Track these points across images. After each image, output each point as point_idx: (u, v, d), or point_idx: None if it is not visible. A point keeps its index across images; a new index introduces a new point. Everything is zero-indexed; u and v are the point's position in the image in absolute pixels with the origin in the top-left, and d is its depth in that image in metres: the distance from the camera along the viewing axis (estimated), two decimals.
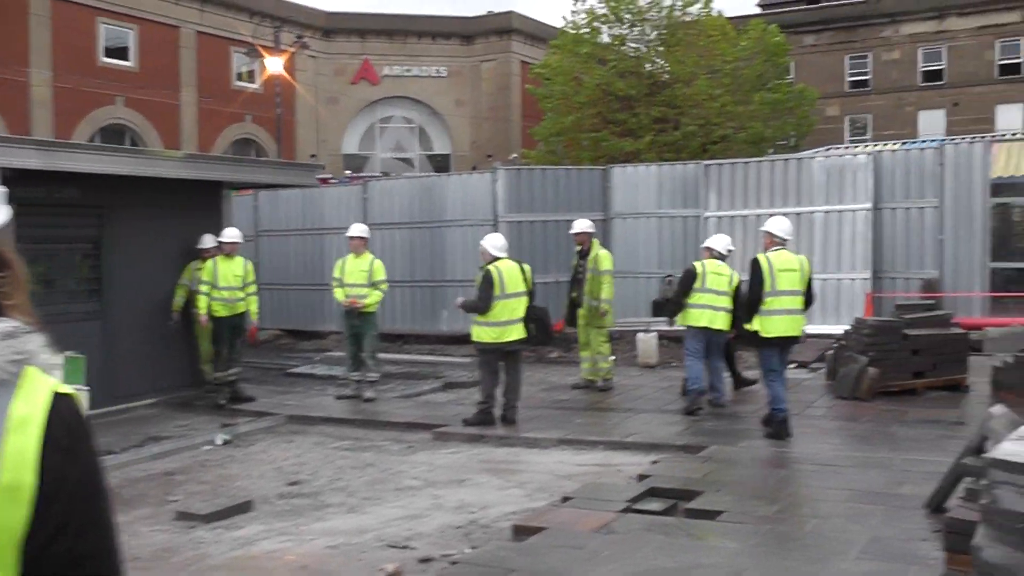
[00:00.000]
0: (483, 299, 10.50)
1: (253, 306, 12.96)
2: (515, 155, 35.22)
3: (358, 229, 13.19)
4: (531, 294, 10.82)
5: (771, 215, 16.40)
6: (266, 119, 34.41)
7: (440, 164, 41.29)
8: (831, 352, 12.85)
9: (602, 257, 12.85)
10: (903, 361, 11.67)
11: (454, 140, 42.03)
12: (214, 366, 12.85)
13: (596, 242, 13.12)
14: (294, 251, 19.83)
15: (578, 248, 13.15)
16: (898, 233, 16.14)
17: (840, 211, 16.31)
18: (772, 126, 30.30)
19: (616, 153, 29.24)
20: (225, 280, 12.54)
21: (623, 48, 30.81)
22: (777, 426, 9.56)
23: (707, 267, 10.98)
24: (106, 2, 31.67)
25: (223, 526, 7.50)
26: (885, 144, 26.29)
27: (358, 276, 12.68)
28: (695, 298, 10.88)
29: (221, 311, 12.58)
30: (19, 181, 10.98)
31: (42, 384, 1.47)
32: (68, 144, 13.36)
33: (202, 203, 13.53)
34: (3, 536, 1.38)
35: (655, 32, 30.92)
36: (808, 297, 9.77)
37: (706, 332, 10.88)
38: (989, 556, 4.16)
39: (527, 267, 10.96)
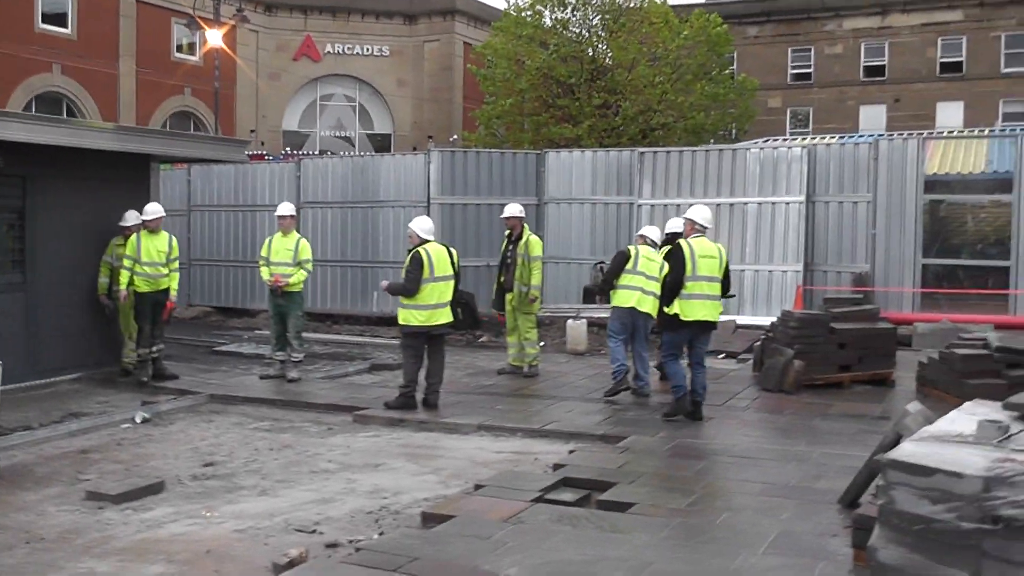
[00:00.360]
0: (411, 281, 10.42)
1: (174, 283, 12.73)
2: (455, 137, 35.09)
3: (286, 208, 13.06)
4: (457, 277, 10.78)
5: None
6: (206, 93, 33.74)
7: (381, 144, 41.00)
8: (758, 344, 12.95)
9: (532, 243, 12.83)
10: (829, 354, 11.78)
11: (395, 120, 41.73)
12: (137, 343, 12.60)
13: (527, 227, 13.08)
14: (226, 227, 19.60)
15: (507, 232, 13.09)
16: (831, 226, 16.35)
17: (774, 203, 16.47)
18: (713, 116, 30.44)
19: (556, 138, 29.25)
20: (148, 256, 12.34)
21: (565, 32, 30.70)
22: (676, 405, 10.02)
23: (640, 252, 11.10)
24: None
25: (133, 507, 7.37)
26: (822, 137, 26.58)
27: (284, 255, 12.56)
28: (625, 279, 10.93)
29: (144, 287, 12.36)
30: None
31: None
32: None
33: (130, 176, 13.28)
34: None
35: (597, 17, 30.90)
36: (725, 284, 10.11)
37: (632, 314, 10.92)
38: (884, 557, 4.19)
39: (454, 251, 10.95)
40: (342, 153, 31.34)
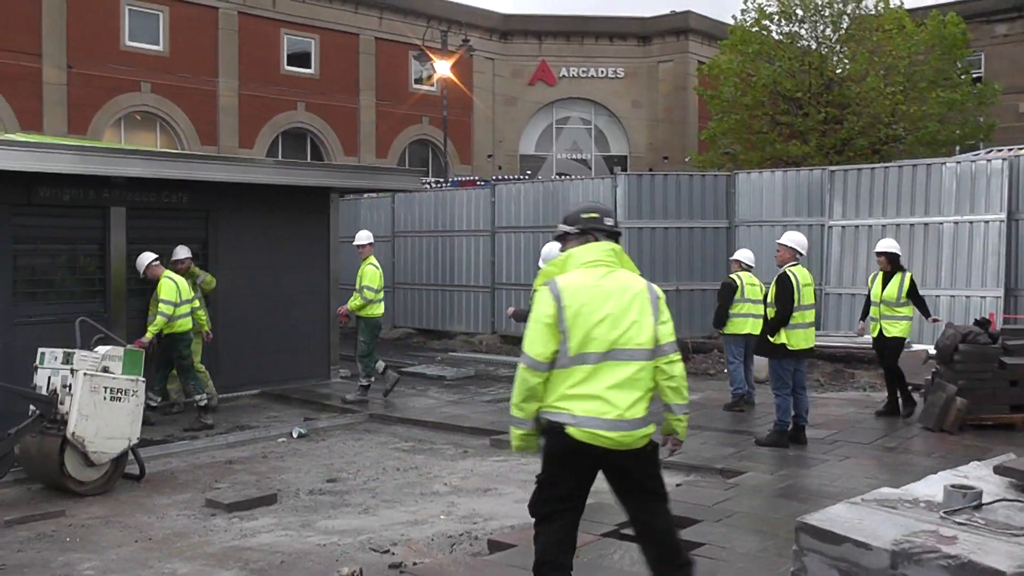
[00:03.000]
0: None
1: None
2: (688, 159, 34.91)
3: (363, 236, 13.46)
4: None
5: (897, 225, 15.89)
6: (447, 121, 35.17)
7: (617, 165, 41.34)
8: (928, 377, 12.14)
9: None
10: (999, 392, 10.72)
11: (631, 141, 42.00)
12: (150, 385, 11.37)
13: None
14: (427, 252, 20.49)
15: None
16: None
17: (971, 222, 15.39)
18: (948, 126, 28.70)
19: (783, 156, 28.60)
20: (187, 295, 11.88)
21: (794, 45, 29.88)
22: (776, 437, 10.07)
23: (743, 279, 12.06)
24: (290, 14, 33.44)
25: (240, 516, 8.00)
26: None
27: (357, 281, 13.04)
28: (736, 308, 11.98)
29: (185, 326, 11.82)
30: (132, 187, 12.01)
31: None
32: (168, 153, 14.33)
33: (310, 208, 14.26)
34: None
35: (828, 27, 29.91)
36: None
37: (747, 339, 11.93)
38: None
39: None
40: (539, 177, 31.94)
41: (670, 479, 8.95)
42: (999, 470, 4.51)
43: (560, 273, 4.89)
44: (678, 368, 4.82)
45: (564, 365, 4.68)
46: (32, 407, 8.82)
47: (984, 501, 4.02)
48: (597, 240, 4.99)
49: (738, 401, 12.13)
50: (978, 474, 4.64)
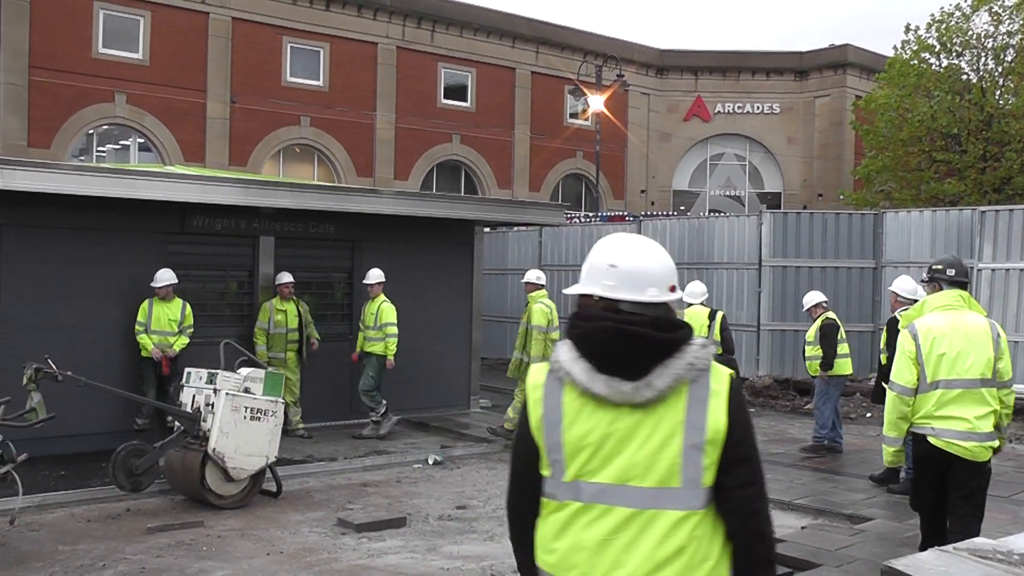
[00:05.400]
0: None
1: (178, 345, 11.71)
2: (843, 196, 34.08)
3: (374, 275, 12.93)
4: (726, 343, 10.88)
5: None
6: (599, 155, 35.33)
7: (771, 203, 40.61)
8: None
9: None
10: None
11: (785, 179, 41.26)
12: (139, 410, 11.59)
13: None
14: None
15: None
16: None
17: None
18: None
19: (939, 195, 27.64)
20: (158, 324, 11.64)
21: (953, 79, 28.80)
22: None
23: (837, 318, 12.03)
24: (448, 48, 34.26)
25: (369, 537, 8.22)
26: None
27: (371, 320, 12.82)
28: (841, 348, 11.80)
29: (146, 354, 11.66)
30: (280, 217, 12.54)
31: (723, 371, 2.66)
32: (315, 185, 14.86)
33: (454, 239, 14.55)
34: (710, 457, 2.58)
35: (991, 60, 28.77)
36: None
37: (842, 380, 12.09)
38: None
39: (719, 315, 11.10)
40: (688, 214, 31.59)
41: (796, 521, 8.85)
42: None
43: (918, 316, 6.24)
44: (1011, 399, 6.07)
45: (923, 391, 6.01)
46: (177, 423, 9.29)
47: None
48: (942, 288, 6.23)
49: (819, 446, 12.01)
50: None
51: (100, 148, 28.56)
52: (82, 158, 27.45)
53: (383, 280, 12.79)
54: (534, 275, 12.70)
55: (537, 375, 2.74)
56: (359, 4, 32.18)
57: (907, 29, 29.75)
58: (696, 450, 2.55)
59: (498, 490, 10.20)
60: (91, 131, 27.99)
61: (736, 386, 2.64)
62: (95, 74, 27.12)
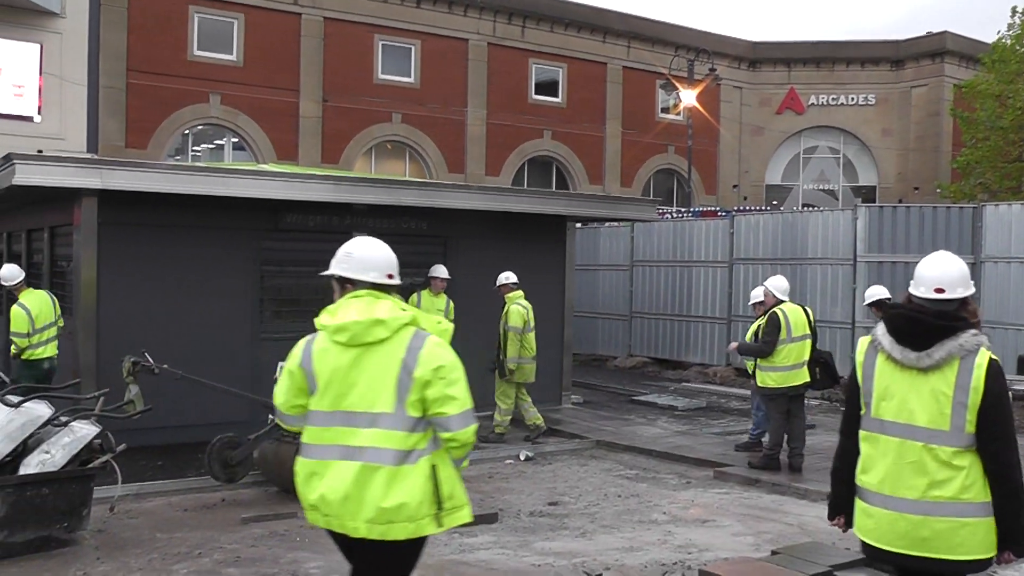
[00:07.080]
0: (768, 344, 10.40)
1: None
2: (939, 189, 33.16)
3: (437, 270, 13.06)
4: (815, 336, 10.61)
5: None
6: (691, 150, 34.94)
7: (866, 196, 39.70)
8: None
9: None
10: None
11: (880, 171, 40.23)
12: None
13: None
14: (664, 282, 20.34)
15: None
16: None
17: None
18: None
19: None
20: (44, 319, 11.25)
21: None
22: None
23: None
24: (539, 44, 34.21)
25: (461, 532, 8.17)
26: None
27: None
28: None
29: (48, 351, 11.33)
30: (372, 213, 12.62)
31: (986, 354, 3.89)
32: (407, 182, 14.85)
33: (546, 235, 14.46)
34: (972, 412, 3.87)
35: None
36: None
37: None
38: None
39: (810, 310, 10.81)
40: (781, 208, 30.97)
41: None
42: None
43: None
44: None
45: None
46: (271, 416, 9.38)
47: None
48: None
49: None
50: None
51: (195, 148, 29.20)
52: (178, 158, 28.06)
53: (512, 280, 12.57)
54: (509, 277, 12.50)
55: (863, 344, 4.14)
56: (450, 1, 32.32)
57: (1013, 12, 28.76)
58: (961, 406, 3.82)
59: (589, 487, 10.12)
60: (187, 131, 28.62)
61: (994, 366, 3.85)
62: (190, 76, 27.70)
